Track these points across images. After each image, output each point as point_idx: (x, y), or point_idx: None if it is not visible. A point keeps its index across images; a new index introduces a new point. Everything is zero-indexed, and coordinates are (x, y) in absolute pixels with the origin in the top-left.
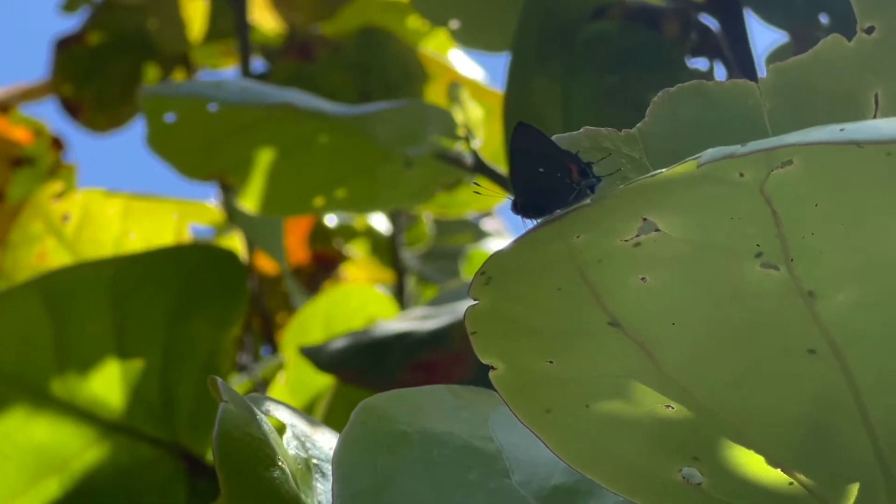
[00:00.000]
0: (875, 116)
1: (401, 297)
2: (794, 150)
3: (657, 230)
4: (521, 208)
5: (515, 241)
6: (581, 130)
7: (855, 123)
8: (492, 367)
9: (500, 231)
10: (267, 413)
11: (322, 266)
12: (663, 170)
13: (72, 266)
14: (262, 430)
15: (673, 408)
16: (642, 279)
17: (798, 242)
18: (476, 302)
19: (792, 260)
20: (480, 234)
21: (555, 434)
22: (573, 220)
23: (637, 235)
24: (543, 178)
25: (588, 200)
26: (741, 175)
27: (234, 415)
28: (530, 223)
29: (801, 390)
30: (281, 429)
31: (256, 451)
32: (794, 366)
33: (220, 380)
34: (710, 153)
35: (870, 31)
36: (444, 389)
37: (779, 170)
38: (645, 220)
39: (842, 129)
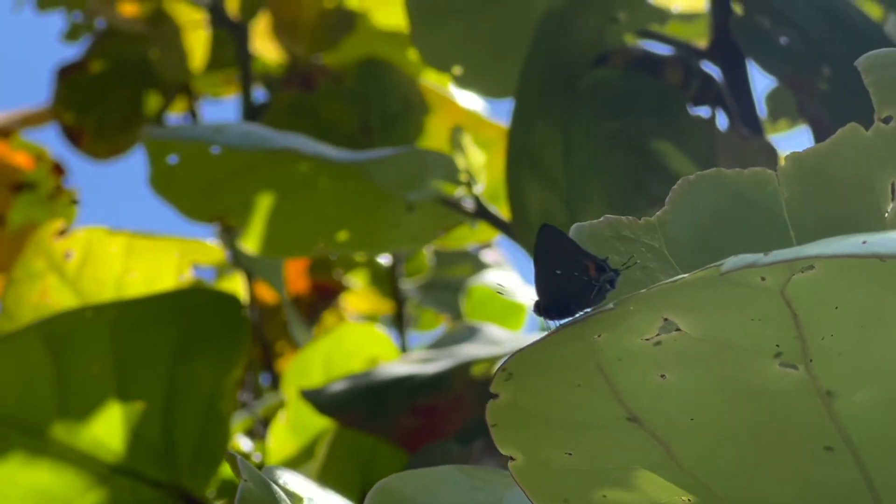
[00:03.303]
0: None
1: (400, 328)
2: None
3: (678, 329)
4: (543, 310)
5: (537, 341)
6: (602, 219)
7: (877, 235)
8: (511, 458)
9: (500, 263)
10: (284, 486)
11: (322, 296)
12: (685, 275)
13: (74, 309)
14: None
15: (689, 500)
16: (662, 376)
17: (817, 343)
18: (496, 396)
19: (811, 360)
20: (480, 266)
21: None
22: (595, 322)
23: (657, 334)
24: (563, 279)
25: (611, 304)
26: (763, 279)
27: (253, 494)
28: (553, 324)
29: (817, 487)
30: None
31: None
32: (811, 463)
33: (239, 457)
34: (732, 262)
35: (887, 120)
36: (458, 470)
37: (800, 274)
38: (666, 319)
39: (864, 242)
